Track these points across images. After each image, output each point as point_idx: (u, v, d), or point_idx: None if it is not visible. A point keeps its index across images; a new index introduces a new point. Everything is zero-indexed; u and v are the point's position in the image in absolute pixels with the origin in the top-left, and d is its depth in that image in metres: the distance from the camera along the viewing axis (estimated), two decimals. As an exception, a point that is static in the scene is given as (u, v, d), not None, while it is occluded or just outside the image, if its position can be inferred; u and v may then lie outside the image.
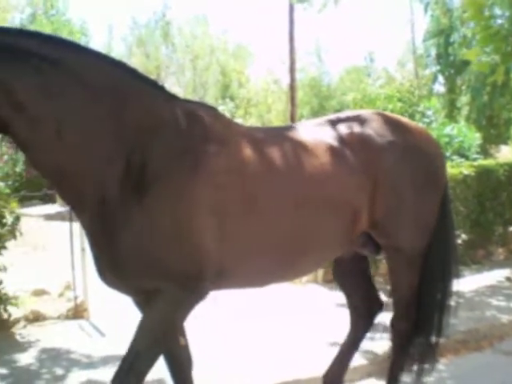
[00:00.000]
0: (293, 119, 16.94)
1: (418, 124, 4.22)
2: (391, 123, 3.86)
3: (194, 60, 41.92)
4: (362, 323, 4.22)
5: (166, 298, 3.09)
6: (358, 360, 4.82)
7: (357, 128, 3.74)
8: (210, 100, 32.81)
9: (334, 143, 3.63)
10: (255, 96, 37.99)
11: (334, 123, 3.79)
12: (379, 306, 4.27)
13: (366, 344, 4.63)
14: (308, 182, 3.47)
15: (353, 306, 4.26)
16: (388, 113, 4.18)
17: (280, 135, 3.63)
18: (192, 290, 3.14)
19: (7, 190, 6.22)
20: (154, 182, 3.03)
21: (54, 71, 2.94)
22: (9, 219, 6.21)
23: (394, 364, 4.07)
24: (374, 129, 3.75)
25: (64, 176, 3.05)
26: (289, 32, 20.38)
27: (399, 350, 4.04)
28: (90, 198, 3.05)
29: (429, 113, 17.20)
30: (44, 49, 2.94)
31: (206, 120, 3.32)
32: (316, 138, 3.64)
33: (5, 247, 6.23)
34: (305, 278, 8.20)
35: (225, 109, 22.52)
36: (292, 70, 19.44)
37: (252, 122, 31.85)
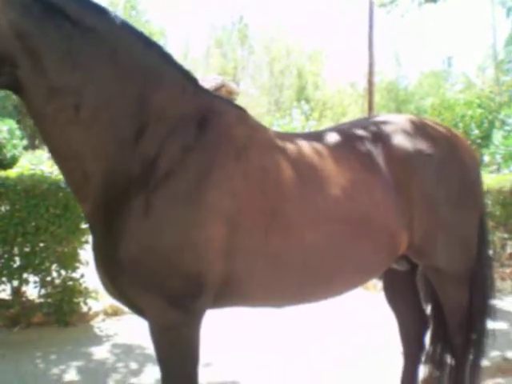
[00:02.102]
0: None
1: (452, 129, 3.86)
2: (425, 132, 3.49)
3: (270, 62, 42.12)
4: (413, 346, 3.97)
5: (158, 322, 2.84)
6: None
7: (390, 139, 3.37)
8: (285, 102, 32.99)
9: (367, 155, 3.29)
10: (331, 99, 37.79)
11: (366, 131, 3.43)
12: (426, 324, 3.98)
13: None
14: (339, 198, 3.11)
15: (401, 321, 4.00)
16: (421, 118, 3.79)
17: (310, 143, 3.27)
18: (184, 310, 2.81)
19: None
20: (164, 180, 2.76)
21: (86, 40, 2.72)
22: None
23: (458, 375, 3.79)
24: (408, 140, 3.39)
25: (73, 155, 2.79)
26: (368, 36, 20.21)
27: (459, 364, 3.79)
28: (96, 185, 2.80)
29: (510, 120, 16.68)
30: (80, 13, 2.73)
31: (230, 121, 3.03)
32: (348, 148, 3.30)
33: (87, 242, 6.43)
34: (380, 285, 8.07)
35: (300, 111, 22.48)
36: (370, 74, 19.27)
37: (327, 124, 31.68)
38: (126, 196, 2.75)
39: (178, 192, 2.77)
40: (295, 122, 17.40)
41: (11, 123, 23.84)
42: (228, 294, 2.96)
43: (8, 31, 2.61)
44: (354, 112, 35.10)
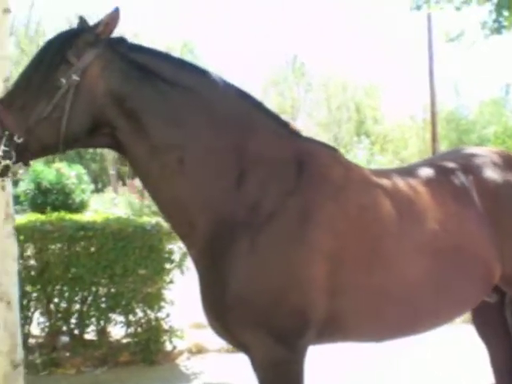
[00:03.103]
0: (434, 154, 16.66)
1: None
2: None
3: (327, 98, 42.41)
4: (506, 378, 3.83)
5: (264, 359, 2.87)
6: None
7: (481, 172, 3.41)
8: (344, 137, 33.11)
9: (460, 188, 3.33)
10: (391, 132, 37.67)
11: (456, 164, 3.46)
12: None
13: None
14: (436, 231, 3.16)
15: (492, 353, 3.88)
16: (505, 150, 3.82)
17: (404, 178, 3.33)
18: (289, 348, 2.85)
19: (174, 228, 6.60)
20: (268, 223, 2.84)
21: (183, 99, 2.88)
22: (177, 255, 6.64)
23: None
24: (498, 172, 3.42)
25: (178, 206, 2.92)
26: (428, 67, 20.21)
27: None
28: (202, 232, 2.90)
29: None
30: (175, 75, 2.89)
31: (325, 162, 3.11)
32: (441, 182, 3.35)
33: (172, 282, 6.62)
34: (459, 318, 7.95)
35: (361, 146, 22.56)
36: (433, 105, 19.22)
37: (388, 158, 31.54)
38: (232, 239, 2.85)
39: (281, 233, 2.85)
40: (359, 157, 17.48)
41: (79, 168, 24.68)
42: (331, 330, 3.02)
43: (106, 96, 2.78)
44: (416, 145, 34.90)
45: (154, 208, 19.83)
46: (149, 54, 2.94)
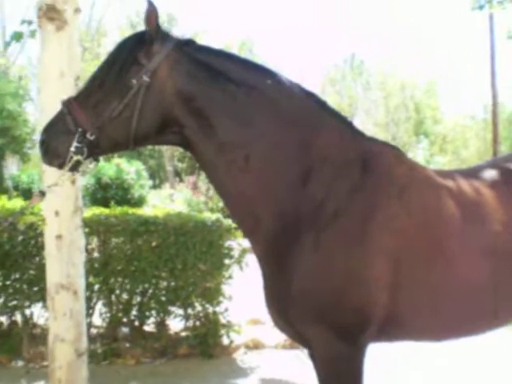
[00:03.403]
0: (495, 156, 16.34)
1: None
2: None
3: (386, 97, 41.98)
4: None
5: (325, 353, 2.94)
6: None
7: None
8: (402, 136, 32.73)
9: None
10: (450, 132, 37.01)
11: None
12: None
13: None
14: (499, 233, 3.13)
15: None
16: None
17: (467, 179, 3.32)
18: (350, 343, 2.92)
19: (234, 225, 6.70)
20: (333, 221, 2.89)
21: (249, 98, 2.95)
22: (236, 252, 6.73)
23: None
24: None
25: (244, 202, 2.99)
26: (490, 67, 19.80)
27: None
28: (267, 228, 2.97)
29: None
30: (242, 74, 2.97)
31: (389, 161, 3.13)
32: (505, 183, 3.32)
33: (231, 277, 6.72)
34: None
35: (420, 146, 22.27)
36: (494, 105, 18.82)
37: (448, 159, 31.04)
38: (296, 235, 2.90)
39: (345, 231, 2.90)
40: (419, 157, 17.27)
41: (138, 165, 25.16)
42: (390, 327, 3.05)
43: (174, 96, 2.89)
44: (476, 145, 34.18)
45: (211, 205, 20.12)
46: (215, 55, 3.03)
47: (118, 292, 6.79)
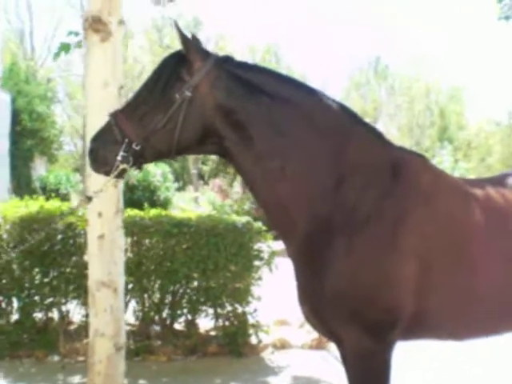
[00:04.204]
0: (520, 163, 16.32)
1: None
2: None
3: (410, 101, 41.90)
4: None
5: (356, 350, 3.11)
6: None
7: None
8: (426, 142, 32.70)
9: None
10: (475, 138, 36.82)
11: None
12: None
13: None
14: None
15: None
16: None
17: (493, 187, 3.46)
18: (380, 340, 3.10)
19: (264, 227, 6.91)
20: (364, 226, 3.06)
21: (284, 110, 3.12)
22: (265, 254, 6.94)
23: None
24: None
25: (280, 208, 3.17)
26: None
27: None
28: (301, 231, 3.14)
29: None
30: (276, 88, 3.15)
31: (416, 169, 3.30)
32: None
33: (260, 279, 6.93)
34: None
35: (444, 152, 22.24)
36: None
37: (472, 165, 30.91)
38: (329, 238, 3.09)
39: (376, 235, 3.08)
40: (444, 163, 17.28)
41: (164, 167, 25.44)
42: (417, 326, 3.23)
43: (214, 110, 3.10)
44: (501, 151, 33.98)
45: (236, 207, 20.35)
46: (252, 70, 3.25)
47: (150, 291, 7.02)
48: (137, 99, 3.17)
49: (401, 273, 3.06)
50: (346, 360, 3.26)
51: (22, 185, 27.65)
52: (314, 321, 3.32)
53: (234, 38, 34.37)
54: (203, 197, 24.66)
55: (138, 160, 3.12)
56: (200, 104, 3.09)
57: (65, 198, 23.41)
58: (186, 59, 3.12)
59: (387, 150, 3.33)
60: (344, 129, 3.24)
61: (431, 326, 3.27)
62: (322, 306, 3.12)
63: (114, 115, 3.12)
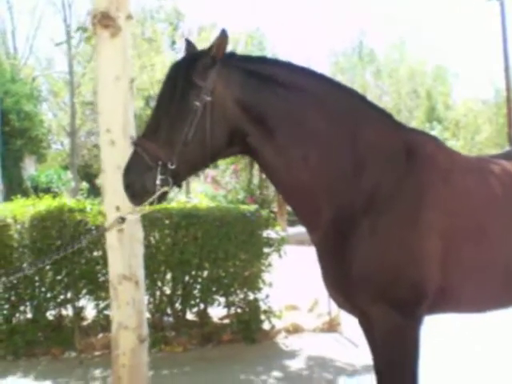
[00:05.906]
0: (511, 140, 16.50)
1: None
2: None
3: (395, 84, 42.05)
4: None
5: (385, 327, 3.18)
6: None
7: None
8: (415, 123, 32.86)
9: None
10: (462, 118, 37.04)
11: None
12: None
13: None
14: None
15: None
16: None
17: (503, 162, 3.57)
18: (408, 316, 3.16)
19: (272, 215, 7.01)
20: (386, 206, 3.12)
21: (299, 99, 3.15)
22: (275, 240, 7.03)
23: None
24: None
25: (303, 194, 3.22)
26: (503, 50, 19.89)
27: None
28: (325, 217, 3.19)
29: None
30: (289, 78, 3.17)
31: (430, 149, 3.37)
32: None
33: (270, 265, 7.02)
34: None
35: (433, 132, 22.41)
36: (508, 90, 18.94)
37: (460, 144, 31.13)
38: (353, 222, 3.16)
39: (399, 214, 3.16)
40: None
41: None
42: (442, 300, 3.31)
43: (234, 107, 3.12)
44: (489, 130, 34.22)
45: (230, 197, 20.40)
46: (259, 62, 3.29)
47: (161, 283, 7.09)
48: (155, 119, 3.13)
49: (425, 249, 3.14)
50: (371, 338, 3.35)
51: (13, 185, 27.48)
52: (341, 300, 3.40)
53: (215, 28, 34.07)
54: (196, 188, 24.65)
55: (176, 178, 3.05)
56: (221, 105, 3.09)
57: (57, 196, 23.26)
58: (193, 65, 3.12)
59: (401, 132, 3.40)
60: (358, 113, 3.30)
61: (454, 299, 3.36)
62: (350, 289, 3.19)
63: (138, 142, 3.07)
